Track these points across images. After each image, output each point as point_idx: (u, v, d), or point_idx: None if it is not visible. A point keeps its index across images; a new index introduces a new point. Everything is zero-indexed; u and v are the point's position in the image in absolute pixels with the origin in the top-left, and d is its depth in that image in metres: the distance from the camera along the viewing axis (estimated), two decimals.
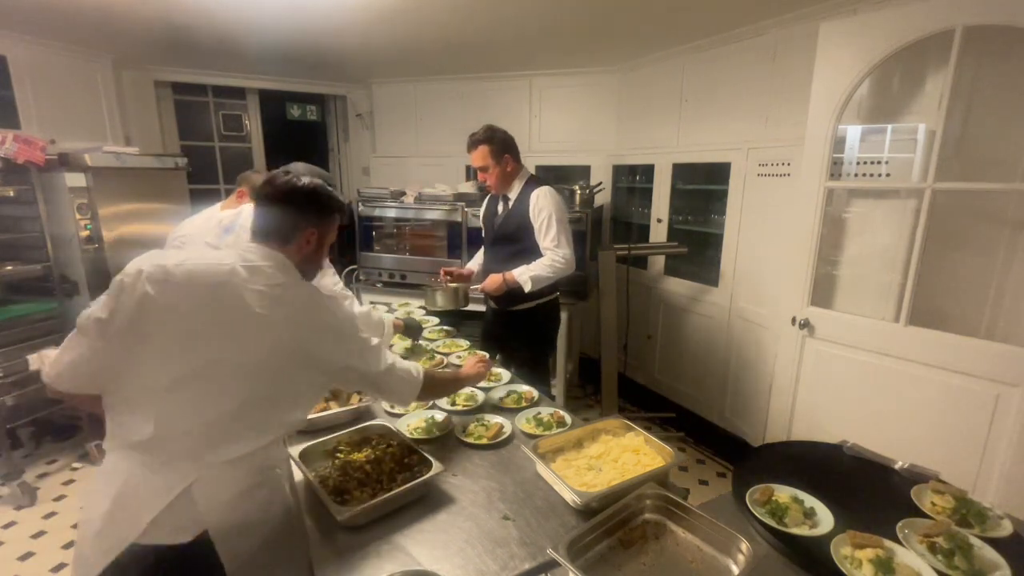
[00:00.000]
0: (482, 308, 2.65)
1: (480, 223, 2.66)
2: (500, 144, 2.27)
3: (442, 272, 2.48)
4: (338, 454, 1.41)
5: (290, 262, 1.20)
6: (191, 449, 1.05)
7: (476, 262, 2.65)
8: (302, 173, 1.27)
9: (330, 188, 1.28)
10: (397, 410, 1.69)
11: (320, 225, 1.25)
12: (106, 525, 1.05)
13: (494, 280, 2.28)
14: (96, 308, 1.08)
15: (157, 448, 1.05)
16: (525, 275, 2.24)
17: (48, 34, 3.07)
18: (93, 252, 2.95)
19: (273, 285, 1.12)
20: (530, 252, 2.31)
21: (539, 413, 1.64)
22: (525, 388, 1.83)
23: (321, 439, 1.44)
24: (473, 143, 2.28)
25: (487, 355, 1.75)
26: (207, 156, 4.44)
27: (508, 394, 1.79)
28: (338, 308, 1.23)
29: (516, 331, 2.42)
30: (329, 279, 1.92)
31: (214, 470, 1.06)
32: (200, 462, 1.05)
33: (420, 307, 2.81)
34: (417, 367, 1.36)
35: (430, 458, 1.33)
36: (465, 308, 2.46)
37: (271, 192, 1.22)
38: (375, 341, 1.28)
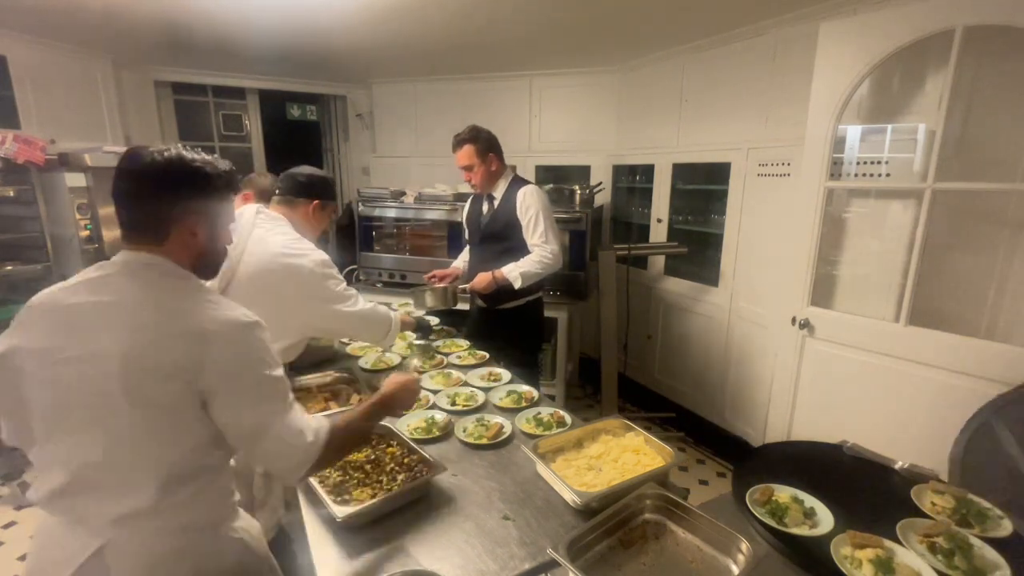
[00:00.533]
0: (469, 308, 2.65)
1: (464, 223, 2.68)
2: (485, 143, 2.33)
3: (426, 278, 2.51)
4: None
5: (171, 263, 0.98)
6: (91, 500, 0.91)
7: (462, 260, 2.67)
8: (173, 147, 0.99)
9: (211, 160, 1.02)
10: None
11: (205, 212, 1.00)
12: None
13: (483, 278, 2.31)
14: None
15: (60, 498, 0.93)
16: (515, 272, 2.27)
17: (48, 34, 3.07)
18: (93, 252, 2.95)
19: (127, 288, 0.94)
20: (518, 250, 2.35)
21: (539, 413, 1.64)
22: (525, 388, 1.83)
23: None
24: (458, 143, 2.34)
25: (415, 376, 1.43)
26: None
27: (508, 394, 1.79)
28: (200, 302, 0.96)
29: (503, 330, 2.45)
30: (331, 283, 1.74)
31: (123, 532, 0.92)
32: (105, 520, 0.91)
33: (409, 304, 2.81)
34: (319, 425, 1.04)
35: (430, 457, 1.33)
36: (455, 308, 2.47)
37: (125, 173, 0.96)
38: (278, 370, 1.01)
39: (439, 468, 1.28)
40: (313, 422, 1.04)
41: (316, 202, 1.81)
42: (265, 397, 0.98)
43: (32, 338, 0.93)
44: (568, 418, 1.61)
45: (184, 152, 0.99)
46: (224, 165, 1.04)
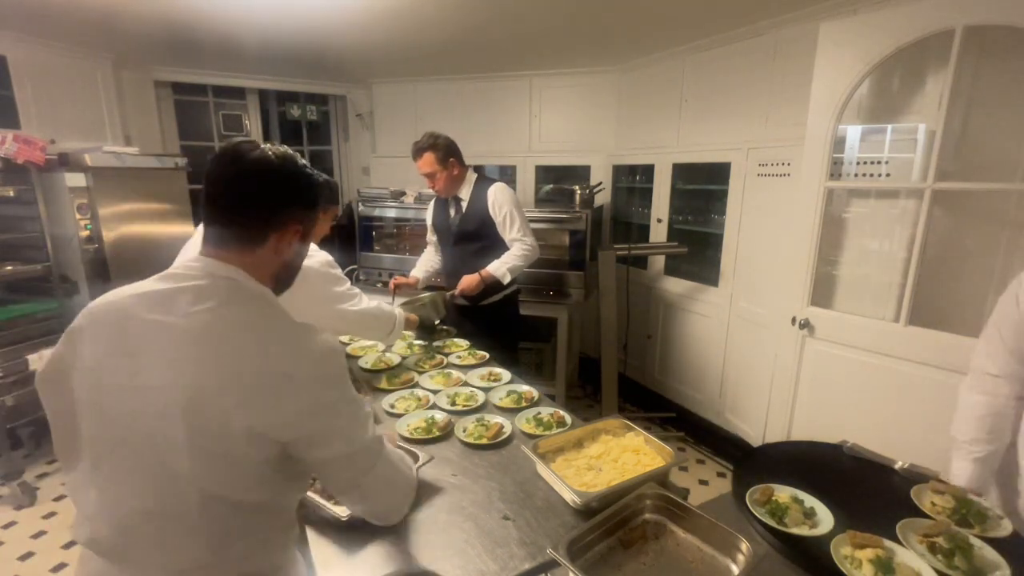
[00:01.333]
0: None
1: (430, 227, 2.71)
2: (444, 150, 2.40)
3: (391, 284, 2.49)
4: None
5: (249, 278, 0.86)
6: (143, 553, 0.81)
7: (422, 268, 2.67)
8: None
9: (309, 165, 0.95)
10: (397, 410, 1.69)
11: (306, 217, 0.92)
12: None
13: (471, 280, 2.37)
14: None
15: (105, 547, 0.82)
16: (502, 268, 2.38)
17: (48, 34, 3.07)
18: (93, 252, 2.96)
19: (196, 311, 0.80)
20: (493, 246, 2.45)
21: (539, 413, 1.64)
22: (525, 388, 1.83)
23: None
24: (417, 151, 2.43)
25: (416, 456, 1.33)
26: (207, 156, 4.42)
27: (508, 394, 1.79)
28: (309, 336, 0.84)
29: (485, 325, 2.51)
30: (328, 284, 1.76)
31: None
32: (159, 571, 0.82)
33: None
34: (408, 460, 0.99)
35: (416, 452, 1.33)
36: (445, 316, 2.43)
37: (232, 172, 0.85)
38: (367, 407, 0.93)
39: (426, 458, 1.30)
40: (400, 454, 0.99)
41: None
42: (359, 433, 0.88)
43: (86, 351, 0.82)
44: (568, 418, 1.61)
45: (291, 154, 0.90)
46: (323, 177, 0.95)
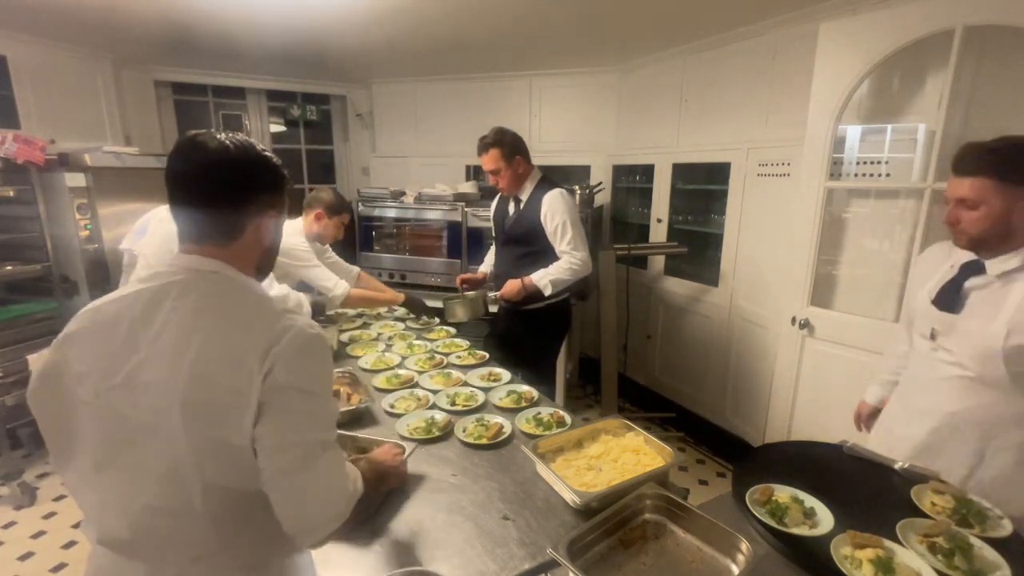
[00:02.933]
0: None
1: (491, 222, 2.67)
2: (510, 147, 2.28)
3: (458, 281, 2.54)
4: None
5: (233, 270, 0.86)
6: (156, 546, 0.83)
7: (488, 264, 2.67)
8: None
9: (266, 148, 0.92)
10: (397, 410, 1.69)
11: (277, 201, 0.91)
12: None
13: (513, 286, 2.30)
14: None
15: (121, 545, 0.84)
16: (544, 279, 2.26)
17: (48, 34, 3.07)
18: (93, 252, 2.95)
19: (182, 307, 0.81)
20: (541, 254, 2.32)
21: (539, 413, 1.64)
22: (525, 388, 1.83)
23: None
24: (484, 147, 2.29)
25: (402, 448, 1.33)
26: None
27: (508, 394, 1.79)
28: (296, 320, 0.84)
29: (526, 330, 2.44)
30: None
31: (190, 570, 0.83)
32: (172, 563, 0.83)
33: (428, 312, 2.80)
34: (356, 472, 0.95)
35: (402, 444, 1.35)
36: (485, 317, 2.47)
37: (194, 168, 0.84)
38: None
39: (411, 447, 1.32)
40: (352, 470, 0.92)
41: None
42: (317, 422, 0.84)
43: (80, 356, 0.83)
44: (568, 418, 1.61)
45: (250, 139, 0.88)
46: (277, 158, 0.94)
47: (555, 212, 2.26)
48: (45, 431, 0.88)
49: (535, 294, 2.29)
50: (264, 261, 0.94)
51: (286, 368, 0.79)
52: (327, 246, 2.62)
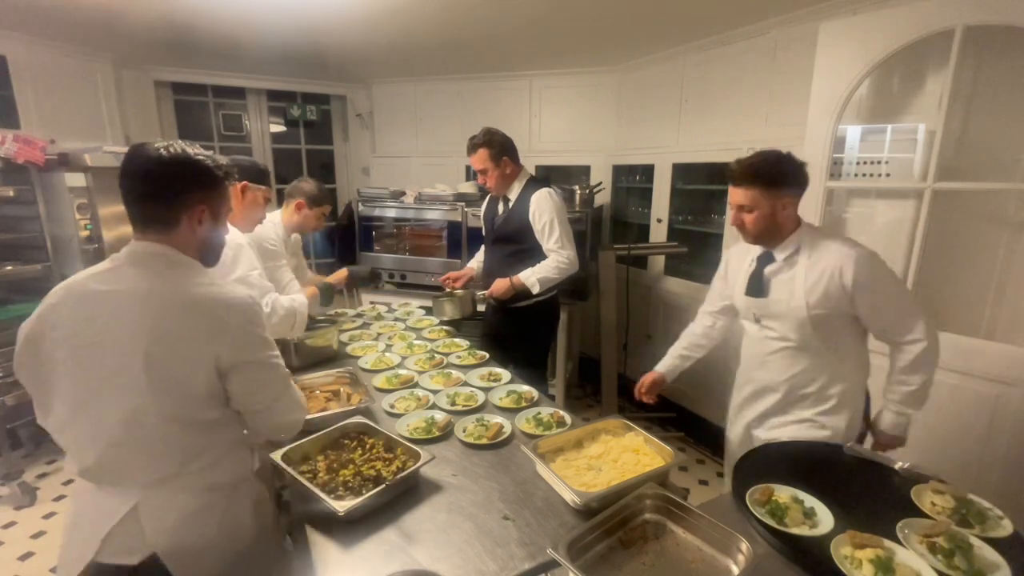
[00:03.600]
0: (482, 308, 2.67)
1: (481, 222, 2.69)
2: (499, 147, 2.31)
3: (442, 280, 2.56)
4: (318, 457, 1.38)
5: (177, 252, 1.07)
6: (122, 472, 1.04)
7: (477, 260, 2.69)
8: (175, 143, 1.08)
9: (211, 156, 1.11)
10: (397, 410, 1.69)
11: (209, 198, 1.09)
12: (67, 543, 1.08)
13: (501, 284, 2.34)
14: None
15: (93, 473, 1.05)
16: (532, 278, 2.31)
17: (48, 34, 3.07)
18: (93, 252, 2.95)
19: (140, 278, 1.03)
20: (529, 253, 2.36)
21: (539, 413, 1.64)
22: (525, 388, 1.83)
23: (296, 443, 1.39)
24: (472, 146, 2.33)
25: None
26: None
27: (508, 394, 1.79)
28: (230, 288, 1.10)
29: (515, 328, 2.46)
30: (244, 266, 1.80)
31: (154, 492, 1.04)
32: (136, 485, 1.04)
33: (421, 307, 2.81)
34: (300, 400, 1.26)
35: (416, 448, 1.34)
36: (471, 314, 2.49)
37: (135, 170, 1.04)
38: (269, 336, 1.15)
39: (428, 457, 1.30)
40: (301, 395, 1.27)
41: (243, 184, 1.91)
42: (272, 366, 1.14)
43: (57, 324, 1.03)
44: (568, 418, 1.61)
45: (187, 147, 1.07)
46: (222, 159, 1.14)
47: (542, 211, 2.30)
48: (30, 388, 1.09)
49: (523, 292, 2.33)
50: (205, 249, 1.13)
51: (240, 330, 1.06)
52: (298, 250, 2.61)
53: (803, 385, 1.61)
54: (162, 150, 1.04)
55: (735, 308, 1.77)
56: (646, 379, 1.90)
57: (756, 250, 1.65)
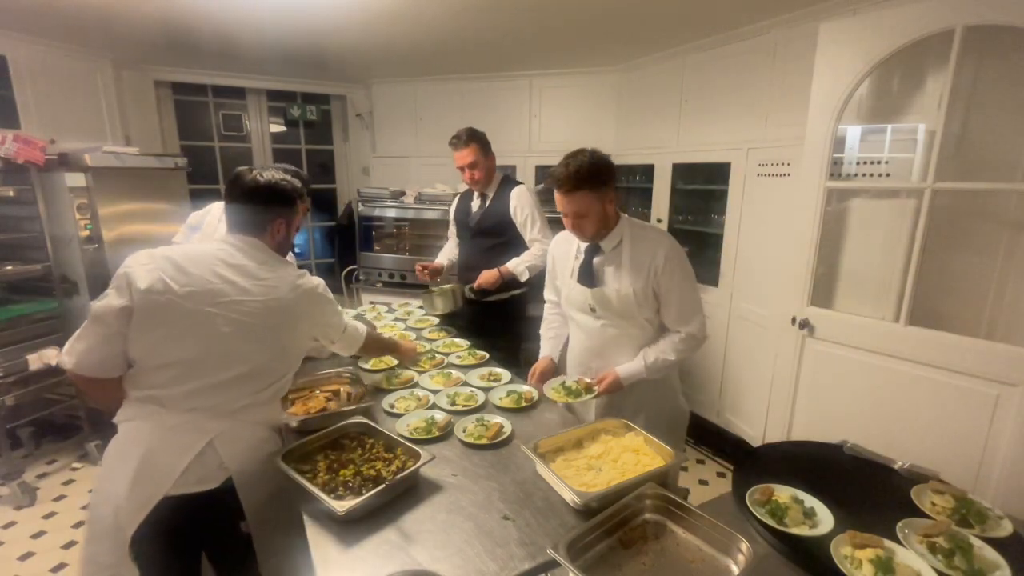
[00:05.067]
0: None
1: (452, 219, 2.81)
2: (484, 142, 2.50)
3: (417, 269, 2.69)
4: (318, 457, 1.39)
5: (267, 247, 1.40)
6: (211, 407, 1.27)
7: (445, 255, 2.84)
8: (266, 169, 1.43)
9: (289, 179, 1.43)
10: (397, 410, 1.69)
11: (288, 215, 1.44)
12: (138, 482, 1.20)
13: (490, 275, 2.47)
14: (112, 298, 1.22)
15: (180, 407, 1.25)
16: (521, 266, 2.47)
17: (48, 34, 3.07)
18: (93, 252, 2.95)
19: (257, 269, 1.34)
20: (509, 244, 2.54)
21: (565, 381, 1.71)
22: (525, 388, 1.83)
23: (296, 443, 1.40)
24: (462, 143, 2.47)
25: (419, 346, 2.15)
26: (207, 156, 4.44)
27: (508, 394, 1.79)
28: (309, 278, 1.45)
29: (493, 320, 2.60)
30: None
31: (231, 424, 1.29)
32: (219, 419, 1.27)
33: (420, 307, 2.82)
34: (361, 327, 1.69)
35: (417, 448, 1.34)
36: (460, 308, 2.58)
37: (239, 191, 1.39)
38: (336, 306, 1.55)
39: (428, 457, 1.30)
40: (360, 325, 1.69)
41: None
42: (340, 317, 1.57)
43: (176, 278, 1.26)
44: (594, 386, 1.69)
45: (275, 174, 1.42)
46: (298, 182, 1.47)
47: (523, 205, 2.49)
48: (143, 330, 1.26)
49: (511, 281, 2.50)
50: (282, 248, 1.46)
51: (313, 300, 1.44)
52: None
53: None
54: (258, 176, 1.40)
55: (563, 300, 1.86)
56: (538, 367, 1.90)
57: (577, 242, 1.75)
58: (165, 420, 1.25)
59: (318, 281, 1.47)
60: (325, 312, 1.49)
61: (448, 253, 2.85)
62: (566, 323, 1.98)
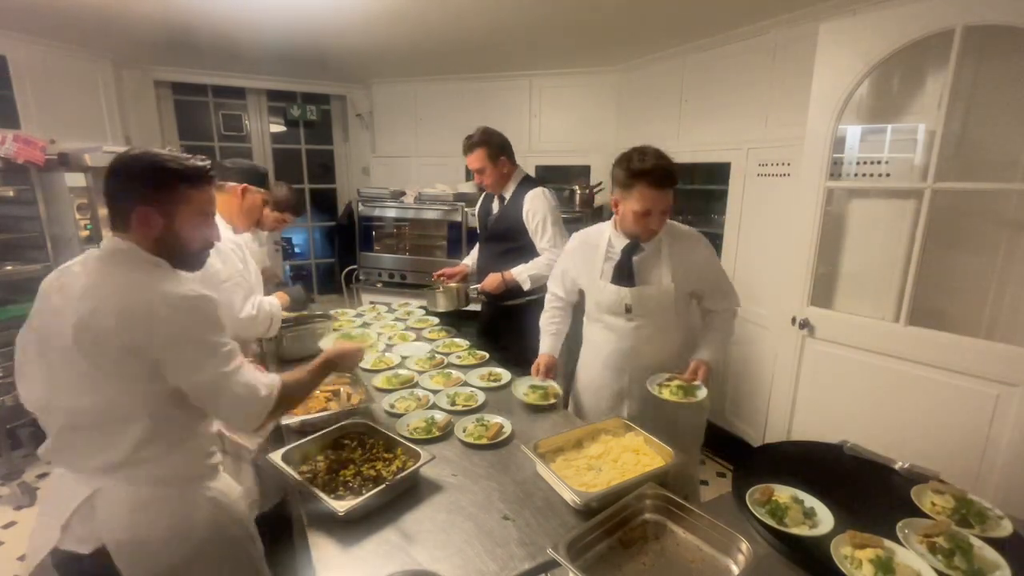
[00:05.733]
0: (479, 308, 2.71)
1: (476, 220, 2.73)
2: (496, 147, 2.35)
3: (435, 275, 2.60)
4: (318, 457, 1.39)
5: (138, 249, 1.07)
6: (83, 460, 1.07)
7: (472, 258, 2.73)
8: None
9: (166, 155, 1.10)
10: (397, 410, 1.69)
11: (156, 202, 1.07)
12: (36, 527, 1.12)
13: (494, 279, 2.38)
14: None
15: (58, 458, 1.11)
16: (524, 274, 2.36)
17: (48, 34, 3.07)
18: None
19: (97, 264, 1.08)
20: (522, 251, 2.41)
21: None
22: (550, 383, 1.83)
23: (296, 443, 1.40)
24: (470, 146, 2.35)
25: (360, 345, 1.64)
26: (207, 156, 4.43)
27: (533, 389, 1.79)
28: (172, 289, 1.05)
29: (509, 326, 2.50)
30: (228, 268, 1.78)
31: (112, 482, 1.06)
32: (96, 473, 1.06)
33: (420, 307, 2.82)
34: (272, 381, 1.17)
35: (417, 448, 1.34)
36: (467, 308, 2.54)
37: (106, 175, 1.09)
38: (227, 342, 1.11)
39: (428, 456, 1.30)
40: (265, 378, 1.16)
41: (244, 186, 1.88)
42: (211, 360, 1.07)
43: (40, 308, 1.13)
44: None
45: (148, 150, 1.10)
46: (190, 160, 1.13)
47: (536, 210, 2.34)
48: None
49: (515, 288, 2.38)
50: (165, 249, 1.11)
51: (169, 326, 1.02)
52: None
53: (673, 361, 1.75)
54: (124, 153, 1.10)
55: (590, 303, 1.81)
56: (542, 362, 1.90)
57: (606, 241, 1.76)
58: (56, 467, 1.15)
59: (193, 294, 1.07)
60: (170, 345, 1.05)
61: (474, 255, 2.76)
62: (568, 318, 1.99)
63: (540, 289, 2.43)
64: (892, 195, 2.17)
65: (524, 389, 1.79)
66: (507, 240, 2.44)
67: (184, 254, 1.14)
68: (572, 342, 2.08)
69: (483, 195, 2.65)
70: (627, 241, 1.71)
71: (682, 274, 1.66)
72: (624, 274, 1.70)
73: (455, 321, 2.69)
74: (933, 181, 1.90)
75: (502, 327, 2.53)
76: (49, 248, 2.86)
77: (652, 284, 1.68)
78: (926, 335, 1.97)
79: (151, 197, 1.07)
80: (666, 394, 1.60)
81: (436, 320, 2.65)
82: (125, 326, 1.00)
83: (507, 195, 2.44)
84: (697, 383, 1.64)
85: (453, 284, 2.52)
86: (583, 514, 1.18)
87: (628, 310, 1.71)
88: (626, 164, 1.67)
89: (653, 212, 1.59)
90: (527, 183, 2.43)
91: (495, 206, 2.51)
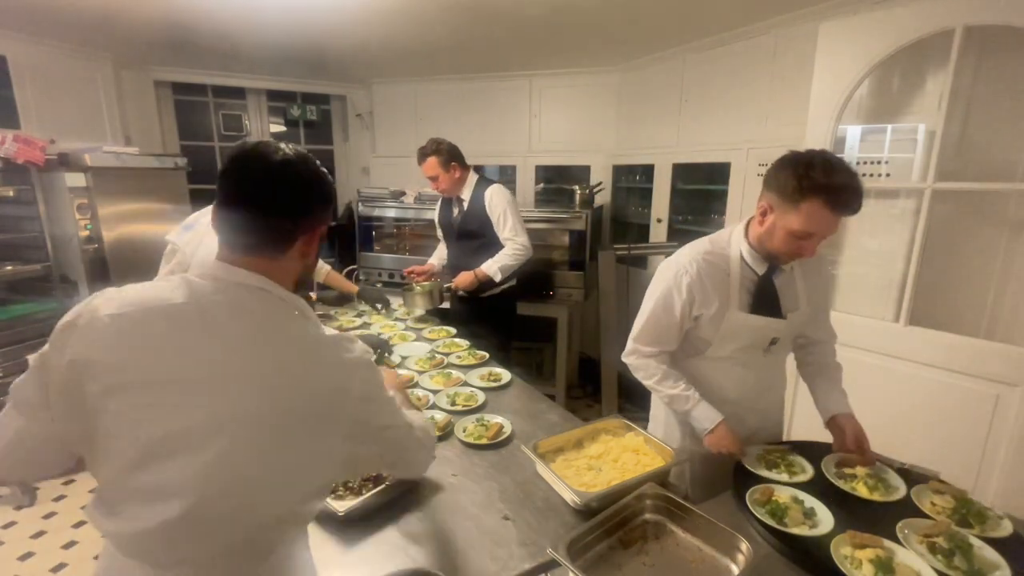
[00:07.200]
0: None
1: (437, 224, 2.92)
2: (447, 154, 2.57)
3: (406, 272, 2.82)
4: None
5: (274, 282, 0.81)
6: (184, 551, 0.74)
7: (438, 257, 2.92)
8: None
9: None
10: None
11: (323, 223, 0.88)
12: None
13: (466, 277, 2.58)
14: (24, 381, 0.77)
15: (150, 550, 0.74)
16: (494, 267, 2.56)
17: (48, 34, 3.07)
18: (93, 252, 2.96)
19: (253, 318, 0.78)
20: (493, 244, 2.62)
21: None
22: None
23: None
24: (422, 156, 2.60)
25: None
26: (207, 156, 4.44)
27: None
28: (349, 343, 0.84)
29: (483, 317, 2.68)
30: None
31: None
32: (212, 569, 0.77)
33: (400, 305, 2.83)
34: (423, 416, 1.08)
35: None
36: (442, 306, 2.69)
37: (251, 173, 0.80)
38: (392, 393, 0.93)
39: None
40: (419, 417, 1.04)
41: None
42: (397, 414, 0.91)
43: (109, 350, 0.72)
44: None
45: (297, 149, 0.83)
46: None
47: (496, 204, 2.58)
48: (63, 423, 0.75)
49: (487, 282, 2.58)
50: (302, 278, 0.89)
51: (363, 385, 0.82)
52: None
53: (781, 395, 1.64)
54: (292, 154, 0.81)
55: (718, 338, 1.45)
56: (727, 438, 1.39)
57: (738, 264, 1.42)
58: (138, 564, 0.77)
59: (368, 353, 0.88)
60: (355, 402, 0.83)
61: (439, 255, 2.93)
62: (674, 368, 1.55)
63: (510, 278, 2.68)
64: (892, 195, 2.17)
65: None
66: (478, 236, 2.63)
67: (308, 282, 1.01)
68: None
69: (440, 201, 2.85)
70: (765, 263, 1.39)
71: (813, 297, 1.46)
72: (769, 302, 1.41)
73: (455, 322, 2.68)
74: (933, 181, 1.91)
75: (473, 318, 2.68)
76: (49, 248, 2.86)
77: (793, 311, 1.43)
78: (926, 335, 1.97)
79: (323, 218, 0.86)
80: (863, 491, 1.23)
81: (408, 313, 2.69)
82: (328, 393, 0.79)
83: (466, 196, 2.65)
84: (895, 471, 1.32)
85: (427, 284, 2.67)
86: (583, 514, 1.17)
87: (773, 343, 1.45)
88: (804, 171, 1.29)
89: (815, 237, 1.31)
90: (483, 182, 2.65)
91: (455, 210, 2.71)
